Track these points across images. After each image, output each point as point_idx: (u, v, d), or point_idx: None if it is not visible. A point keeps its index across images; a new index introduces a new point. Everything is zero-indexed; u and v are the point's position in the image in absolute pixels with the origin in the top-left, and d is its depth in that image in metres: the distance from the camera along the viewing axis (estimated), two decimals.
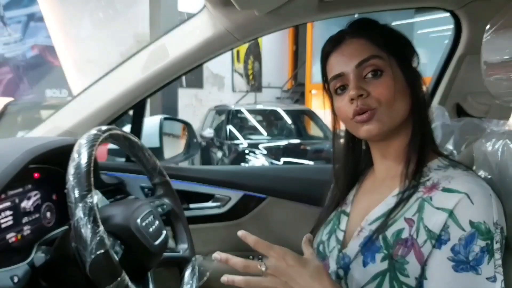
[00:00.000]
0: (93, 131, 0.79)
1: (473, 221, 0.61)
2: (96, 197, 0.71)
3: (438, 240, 0.63)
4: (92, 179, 0.70)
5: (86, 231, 0.65)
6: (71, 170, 0.70)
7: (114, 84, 1.18)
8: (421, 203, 0.67)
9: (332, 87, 0.76)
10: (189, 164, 5.64)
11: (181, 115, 7.63)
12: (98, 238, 0.65)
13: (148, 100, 1.30)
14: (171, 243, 1.00)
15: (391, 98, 0.70)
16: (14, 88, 7.54)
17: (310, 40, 9.74)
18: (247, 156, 4.77)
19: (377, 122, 0.70)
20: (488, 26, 0.76)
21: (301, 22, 1.14)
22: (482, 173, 0.78)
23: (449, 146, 0.95)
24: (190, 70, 1.18)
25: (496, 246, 0.61)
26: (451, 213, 0.62)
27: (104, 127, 0.83)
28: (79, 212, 0.66)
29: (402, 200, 0.69)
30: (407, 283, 0.65)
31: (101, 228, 0.67)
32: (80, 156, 0.72)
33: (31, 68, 7.61)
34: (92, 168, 0.71)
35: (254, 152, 4.82)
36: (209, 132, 5.51)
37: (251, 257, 1.33)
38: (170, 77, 1.17)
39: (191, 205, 1.33)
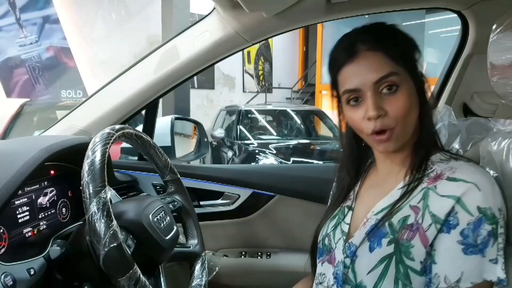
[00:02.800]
0: (107, 130, 0.81)
1: (480, 207, 0.64)
2: (110, 193, 0.73)
3: (446, 225, 0.66)
4: (105, 175, 0.73)
5: (100, 225, 0.67)
6: (85, 167, 0.72)
7: (127, 85, 1.21)
8: (425, 192, 0.70)
9: (345, 98, 0.75)
10: (200, 163, 5.69)
11: (192, 116, 7.68)
12: (111, 231, 0.68)
13: (161, 101, 1.32)
14: (181, 239, 1.03)
15: (406, 113, 0.71)
16: (30, 89, 7.67)
17: (320, 40, 9.71)
18: (257, 156, 4.78)
19: (395, 141, 0.72)
20: (494, 26, 0.76)
21: (309, 23, 1.15)
22: (488, 171, 0.78)
23: (455, 145, 0.95)
24: (200, 71, 1.20)
25: (500, 230, 0.64)
26: (459, 200, 0.65)
27: (117, 126, 0.85)
28: (93, 207, 0.68)
29: (408, 191, 0.71)
30: (412, 266, 0.67)
31: (114, 222, 0.69)
32: (94, 154, 0.74)
33: (47, 69, 7.73)
34: (105, 165, 0.74)
35: (264, 152, 4.82)
36: (219, 132, 5.53)
37: (259, 253, 1.35)
38: (181, 78, 1.20)
39: (202, 203, 1.35)
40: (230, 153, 5.30)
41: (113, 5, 8.06)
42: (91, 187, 0.70)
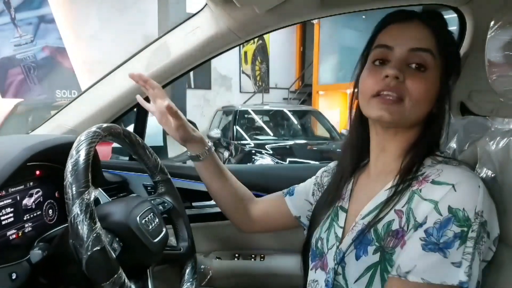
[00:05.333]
0: (93, 129, 0.79)
1: (452, 207, 0.61)
2: (94, 194, 0.71)
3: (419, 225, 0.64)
4: (90, 175, 0.70)
5: (83, 227, 0.65)
6: (69, 167, 0.70)
7: (118, 83, 1.19)
8: (411, 195, 0.67)
9: (373, 55, 0.73)
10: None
11: (189, 116, 7.68)
12: (94, 234, 0.65)
13: None
14: (173, 240, 1.00)
15: (421, 98, 0.69)
16: (25, 89, 7.65)
17: (317, 40, 9.72)
18: (253, 156, 4.77)
19: (396, 113, 0.69)
20: (492, 23, 0.75)
21: (302, 19, 1.13)
22: (485, 171, 0.76)
23: (453, 145, 0.93)
24: (192, 68, 1.18)
25: (471, 234, 0.60)
26: (436, 204, 0.62)
27: (104, 125, 0.83)
28: (76, 209, 0.66)
29: (395, 194, 0.69)
30: None
31: (98, 225, 0.66)
32: (78, 153, 0.72)
33: (42, 69, 7.71)
34: (90, 165, 0.71)
35: (260, 152, 4.81)
36: (216, 133, 5.51)
37: (253, 256, 1.33)
38: (172, 75, 1.17)
39: (194, 204, 1.33)
40: (226, 154, 5.29)
41: (109, 5, 8.04)
42: (74, 188, 0.67)
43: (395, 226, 0.66)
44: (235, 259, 1.33)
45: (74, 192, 0.67)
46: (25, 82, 7.68)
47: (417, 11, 0.75)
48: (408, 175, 0.70)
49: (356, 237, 0.70)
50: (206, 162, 0.98)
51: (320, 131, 6.07)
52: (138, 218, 0.81)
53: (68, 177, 0.69)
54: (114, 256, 0.69)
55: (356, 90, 0.79)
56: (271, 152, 4.84)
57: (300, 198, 0.96)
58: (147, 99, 1.30)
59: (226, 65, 10.45)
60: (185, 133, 0.95)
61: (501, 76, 0.73)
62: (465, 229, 0.60)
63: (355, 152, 0.84)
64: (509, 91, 0.73)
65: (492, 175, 0.74)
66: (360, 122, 0.81)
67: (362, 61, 0.78)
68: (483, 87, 1.11)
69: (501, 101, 0.79)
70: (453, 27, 1.23)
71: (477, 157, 0.80)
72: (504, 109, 1.01)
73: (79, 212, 0.66)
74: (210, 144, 0.99)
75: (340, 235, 0.77)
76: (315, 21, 9.78)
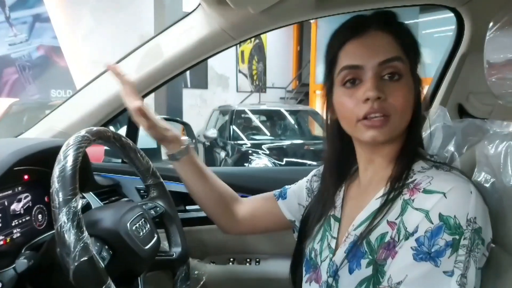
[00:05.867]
0: (82, 133, 0.77)
1: (442, 215, 0.60)
2: (81, 202, 0.69)
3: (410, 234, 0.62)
4: (77, 182, 0.68)
5: (70, 236, 0.63)
6: (56, 172, 0.68)
7: (109, 84, 1.16)
8: (403, 205, 0.65)
9: (341, 77, 0.70)
10: None
11: (185, 115, 7.65)
12: (82, 244, 0.63)
13: (153, 101, 1.28)
14: (165, 244, 0.98)
15: (405, 107, 0.67)
16: (20, 89, 7.59)
17: (314, 40, 9.71)
18: (250, 157, 4.75)
19: (387, 131, 0.67)
20: (491, 24, 0.73)
21: (297, 20, 1.11)
22: (484, 176, 0.75)
23: (451, 148, 0.92)
24: (186, 69, 1.16)
25: (463, 242, 0.59)
26: (427, 213, 0.61)
27: (94, 129, 0.81)
28: (63, 217, 0.63)
29: (387, 203, 0.67)
30: None
31: (86, 234, 0.64)
32: (66, 159, 0.69)
33: (37, 68, 7.66)
34: (77, 171, 0.69)
35: (257, 153, 4.79)
36: (212, 132, 5.50)
37: (248, 260, 1.31)
38: (165, 76, 1.15)
39: (188, 207, 1.31)
40: (223, 154, 5.27)
41: (104, 4, 7.99)
42: (61, 195, 0.65)
43: (387, 238, 0.65)
44: (230, 263, 1.31)
45: (60, 200, 0.65)
46: (20, 81, 7.63)
47: (370, 17, 0.71)
48: (398, 183, 0.68)
49: (349, 250, 0.69)
50: (182, 162, 0.94)
51: (317, 131, 6.06)
52: (128, 225, 0.79)
53: (55, 183, 0.66)
54: (103, 265, 0.67)
55: (329, 110, 0.76)
56: (268, 152, 4.82)
57: (294, 202, 0.94)
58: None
59: (223, 64, 10.43)
60: (157, 133, 0.92)
61: (499, 77, 0.72)
62: (457, 237, 0.58)
63: (336, 167, 0.82)
64: (508, 93, 0.71)
65: (491, 179, 0.72)
66: (339, 138, 0.79)
67: (328, 81, 0.75)
68: (481, 89, 1.10)
69: (500, 104, 0.78)
70: (451, 27, 1.22)
71: (475, 160, 0.78)
72: (502, 111, 1.00)
73: (66, 221, 0.63)
74: (187, 142, 0.95)
75: (333, 246, 0.75)
76: (311, 21, 9.77)
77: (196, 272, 1.21)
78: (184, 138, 0.96)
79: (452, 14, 1.15)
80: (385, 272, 0.63)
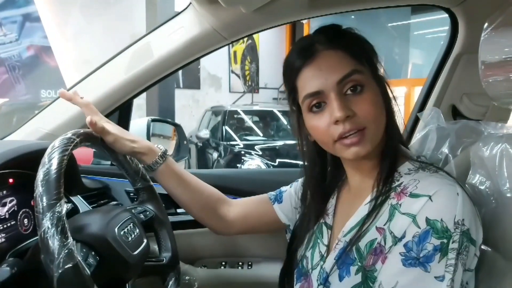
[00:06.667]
0: (68, 135, 0.74)
1: (429, 219, 0.59)
2: (66, 206, 0.66)
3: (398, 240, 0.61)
4: (62, 186, 0.66)
5: (54, 242, 0.60)
6: (40, 176, 0.65)
7: (97, 85, 1.14)
8: (391, 210, 0.64)
9: (306, 105, 0.70)
10: (185, 166, 5.61)
11: (178, 116, 7.61)
12: (66, 250, 0.60)
13: (145, 102, 1.26)
14: (155, 248, 0.96)
15: (377, 114, 0.67)
16: (10, 89, 7.49)
17: None
18: (242, 157, 4.73)
19: (367, 143, 0.66)
20: (486, 24, 0.72)
21: (290, 20, 1.09)
22: (479, 178, 0.74)
23: (445, 150, 0.91)
24: (176, 70, 1.14)
25: (452, 245, 0.58)
26: (414, 218, 0.60)
27: (81, 130, 0.79)
28: (46, 222, 0.61)
29: (375, 208, 0.66)
30: None
31: (70, 240, 0.62)
32: (50, 162, 0.67)
33: (27, 68, 7.57)
34: (62, 174, 0.66)
35: (250, 153, 4.78)
36: (205, 133, 5.47)
37: (240, 263, 1.29)
38: (155, 77, 1.13)
39: (179, 210, 1.29)
40: (215, 154, 5.25)
41: (95, 3, 7.92)
42: (44, 200, 0.63)
43: (375, 244, 0.64)
44: (222, 267, 1.29)
45: (44, 204, 0.62)
46: (10, 81, 7.53)
47: (316, 37, 0.71)
48: (385, 187, 0.67)
49: (338, 257, 0.68)
50: (160, 172, 0.91)
51: None
52: (116, 229, 0.76)
53: (39, 187, 0.64)
54: (89, 272, 0.65)
55: (302, 133, 0.76)
56: (260, 153, 4.81)
57: (289, 206, 0.93)
58: (128, 107, 1.26)
59: (216, 64, 10.39)
60: (122, 146, 0.87)
61: (494, 79, 0.71)
62: (445, 240, 0.58)
63: (319, 185, 0.81)
64: (502, 94, 0.71)
65: (486, 181, 0.72)
66: (321, 156, 0.79)
67: (295, 108, 0.74)
68: (475, 90, 1.10)
69: (494, 105, 0.77)
70: (443, 27, 1.22)
71: (470, 162, 0.77)
72: (496, 112, 0.99)
73: (49, 226, 0.61)
74: (161, 151, 0.92)
75: (324, 253, 0.74)
76: (304, 21, 9.79)
77: (187, 278, 1.19)
78: (159, 146, 0.93)
79: (444, 15, 1.15)
80: (376, 278, 0.63)
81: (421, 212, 0.59)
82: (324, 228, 0.77)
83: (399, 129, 0.74)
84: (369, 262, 0.64)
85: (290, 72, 0.72)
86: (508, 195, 0.66)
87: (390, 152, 0.70)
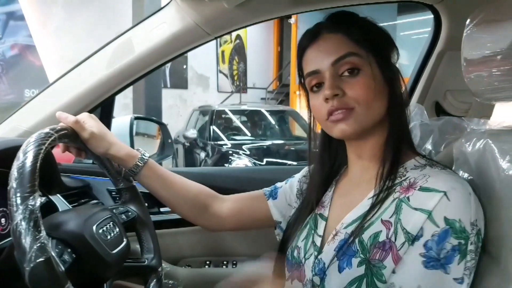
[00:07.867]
0: (45, 130, 0.72)
1: (448, 218, 0.59)
2: (40, 200, 0.64)
3: (414, 238, 0.61)
4: (37, 180, 0.63)
5: (26, 236, 0.58)
6: (14, 170, 0.63)
7: (78, 82, 1.11)
8: (398, 203, 0.64)
9: (308, 84, 0.74)
10: (172, 165, 5.56)
11: (165, 116, 7.55)
12: (38, 244, 0.58)
13: (131, 101, 1.23)
14: (137, 252, 0.94)
15: (369, 98, 0.67)
16: None
17: (295, 41, 9.75)
18: (230, 157, 4.72)
19: (353, 122, 0.68)
20: (468, 21, 0.72)
21: (274, 16, 1.08)
22: (462, 174, 0.74)
23: (428, 146, 0.91)
24: (158, 66, 1.11)
25: (470, 247, 0.58)
26: (430, 214, 0.59)
27: (59, 126, 0.76)
28: (19, 216, 0.59)
29: (378, 202, 0.66)
30: None
31: (43, 234, 0.60)
32: (25, 156, 0.65)
33: (11, 67, 7.44)
34: (37, 168, 0.64)
35: (237, 153, 4.76)
36: (192, 133, 5.44)
37: (225, 262, 1.28)
38: (137, 73, 1.10)
39: (162, 209, 1.27)
40: (203, 154, 5.22)
41: (81, 2, 7.82)
42: (18, 193, 0.60)
43: (382, 237, 0.63)
44: (205, 266, 1.27)
45: (18, 198, 0.60)
46: None
47: (323, 22, 0.75)
48: (389, 180, 0.67)
49: (339, 248, 0.67)
50: (142, 175, 0.89)
51: (298, 131, 6.08)
52: (94, 227, 0.74)
53: (13, 181, 0.62)
54: (63, 268, 0.62)
55: (311, 114, 0.79)
56: (248, 152, 4.80)
57: (284, 203, 0.92)
58: (110, 104, 1.23)
59: (203, 64, 10.35)
60: (97, 148, 0.84)
61: (477, 75, 0.71)
62: (463, 241, 0.58)
63: (327, 165, 0.82)
64: (485, 90, 0.71)
65: (469, 177, 0.72)
66: (328, 139, 0.80)
67: (304, 90, 0.78)
68: (458, 87, 1.11)
69: (477, 101, 0.77)
70: (429, 29, 1.22)
71: (453, 158, 0.77)
72: (479, 109, 1.00)
73: (22, 219, 0.58)
74: (140, 154, 0.90)
75: (318, 244, 0.73)
76: (292, 22, 9.81)
77: (171, 282, 1.16)
78: (139, 149, 0.91)
79: (431, 16, 1.15)
80: (383, 274, 0.62)
81: (438, 210, 0.59)
82: (319, 219, 0.77)
83: (407, 122, 0.74)
84: (374, 256, 0.63)
85: (298, 53, 0.76)
86: (491, 190, 0.66)
87: (393, 144, 0.70)
